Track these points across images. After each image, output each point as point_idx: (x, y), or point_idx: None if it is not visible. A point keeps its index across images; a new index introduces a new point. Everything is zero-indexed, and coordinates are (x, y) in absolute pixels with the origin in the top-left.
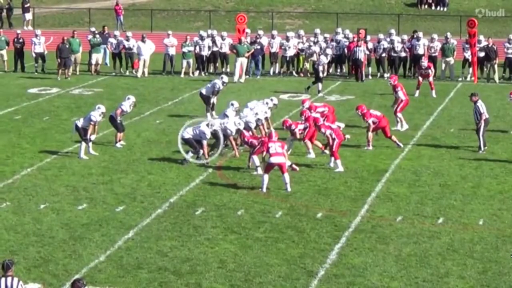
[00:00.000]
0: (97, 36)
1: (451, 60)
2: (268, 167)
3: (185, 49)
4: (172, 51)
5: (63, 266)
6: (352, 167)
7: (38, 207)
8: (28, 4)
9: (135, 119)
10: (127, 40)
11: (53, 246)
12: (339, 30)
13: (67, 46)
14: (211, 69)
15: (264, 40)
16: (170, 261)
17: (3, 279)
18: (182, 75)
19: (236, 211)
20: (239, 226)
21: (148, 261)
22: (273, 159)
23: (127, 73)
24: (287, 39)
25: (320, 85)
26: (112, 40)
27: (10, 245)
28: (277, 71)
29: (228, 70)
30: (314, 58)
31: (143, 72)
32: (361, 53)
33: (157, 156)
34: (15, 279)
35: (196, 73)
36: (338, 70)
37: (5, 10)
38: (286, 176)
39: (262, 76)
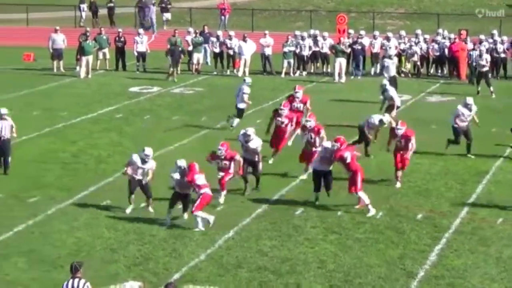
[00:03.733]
0: (198, 35)
1: None
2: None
3: (286, 49)
4: (268, 51)
5: (163, 265)
6: (454, 169)
7: (138, 205)
8: (169, 4)
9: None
10: (230, 39)
11: (153, 244)
12: (440, 30)
13: (179, 49)
14: (312, 69)
15: (366, 41)
16: (269, 260)
17: (70, 281)
18: (283, 75)
19: (336, 212)
20: (339, 226)
21: (248, 260)
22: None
23: (228, 72)
24: (388, 39)
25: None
26: (214, 39)
27: (111, 243)
28: (378, 72)
29: (329, 70)
30: (415, 58)
31: (244, 72)
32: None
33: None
34: (82, 281)
35: (297, 73)
36: (439, 71)
37: (106, 9)
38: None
39: (363, 76)
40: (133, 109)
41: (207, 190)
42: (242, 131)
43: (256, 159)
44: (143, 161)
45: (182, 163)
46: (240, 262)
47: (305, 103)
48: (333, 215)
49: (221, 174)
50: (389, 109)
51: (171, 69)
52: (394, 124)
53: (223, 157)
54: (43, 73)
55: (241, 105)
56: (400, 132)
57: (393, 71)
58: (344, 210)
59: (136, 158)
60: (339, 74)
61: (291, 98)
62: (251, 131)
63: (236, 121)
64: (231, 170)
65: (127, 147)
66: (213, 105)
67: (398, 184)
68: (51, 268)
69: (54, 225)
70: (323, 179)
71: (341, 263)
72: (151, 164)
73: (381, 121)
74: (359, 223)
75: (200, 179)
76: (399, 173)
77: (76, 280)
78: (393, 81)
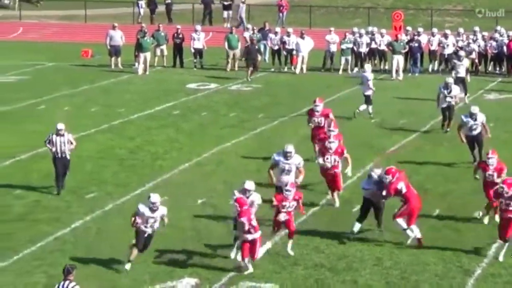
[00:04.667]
0: (256, 32)
1: None
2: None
3: (343, 46)
4: (333, 48)
5: (220, 261)
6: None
7: (195, 203)
8: (229, 2)
9: (292, 115)
10: (288, 36)
11: (210, 241)
12: (498, 28)
13: (256, 47)
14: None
15: (423, 38)
16: (326, 257)
17: (62, 283)
18: (340, 72)
19: (393, 209)
20: (396, 224)
21: (304, 258)
22: None
23: (286, 69)
24: (446, 36)
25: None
26: (272, 36)
27: (168, 239)
28: (435, 69)
29: (386, 67)
30: (473, 56)
31: (302, 69)
32: None
33: (312, 154)
34: (72, 284)
35: (354, 70)
36: (497, 69)
37: (165, 6)
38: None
39: (420, 73)
40: (190, 105)
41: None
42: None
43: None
44: (152, 210)
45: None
46: (297, 259)
47: (326, 116)
48: (389, 212)
49: (285, 217)
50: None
51: (250, 68)
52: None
53: (291, 198)
54: (101, 70)
55: (368, 92)
56: (492, 162)
57: (462, 72)
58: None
59: (143, 208)
60: (397, 71)
61: (310, 112)
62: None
63: (363, 106)
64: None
65: (184, 144)
66: (271, 102)
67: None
68: (108, 264)
69: (111, 221)
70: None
71: (398, 260)
72: (161, 211)
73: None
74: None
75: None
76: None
77: (67, 282)
78: (459, 82)
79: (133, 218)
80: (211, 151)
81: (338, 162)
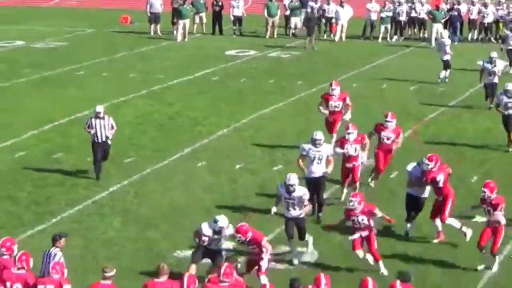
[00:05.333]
0: (295, 0)
1: None
2: None
3: (383, 14)
4: (373, 16)
5: (258, 227)
6: None
7: (233, 168)
8: None
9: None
10: (328, 4)
11: (248, 207)
12: None
13: (315, 15)
14: (408, 34)
15: (463, 7)
16: None
17: (47, 250)
18: (380, 40)
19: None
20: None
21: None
22: None
23: (325, 37)
24: (486, 5)
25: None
26: (312, 4)
27: (206, 204)
28: (475, 38)
29: (425, 35)
30: None
31: (341, 37)
32: None
33: (353, 120)
34: (56, 250)
35: (394, 38)
36: None
37: None
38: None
39: (460, 42)
40: (229, 72)
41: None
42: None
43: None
44: (216, 232)
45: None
46: (334, 226)
47: (343, 101)
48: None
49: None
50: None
51: (308, 37)
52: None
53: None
54: (140, 36)
55: (446, 57)
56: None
57: None
58: None
59: (206, 229)
60: (436, 40)
61: (326, 96)
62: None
63: (443, 72)
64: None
65: (223, 110)
66: (309, 69)
67: None
68: (146, 228)
69: (149, 185)
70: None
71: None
72: (229, 231)
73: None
74: (454, 188)
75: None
76: None
77: (53, 249)
78: (511, 54)
79: (196, 238)
80: (250, 117)
81: (358, 152)
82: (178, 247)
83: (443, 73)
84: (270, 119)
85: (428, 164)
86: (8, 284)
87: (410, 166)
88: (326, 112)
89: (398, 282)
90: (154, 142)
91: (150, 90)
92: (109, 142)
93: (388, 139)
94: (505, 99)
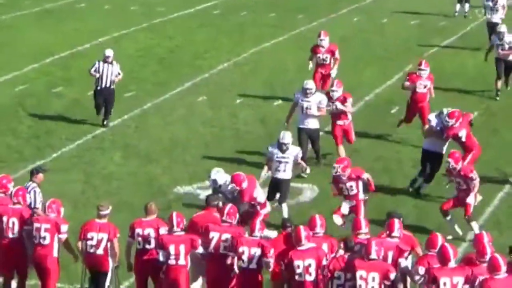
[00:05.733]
0: None
1: None
2: None
3: None
4: None
5: (257, 161)
6: None
7: (234, 102)
8: None
9: (331, 16)
10: None
11: (247, 141)
12: None
13: None
14: None
15: None
16: (363, 159)
17: (25, 184)
18: None
19: (432, 112)
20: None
21: None
22: None
23: None
24: None
25: None
26: None
27: (206, 138)
28: None
29: None
30: None
31: None
32: None
33: (353, 54)
34: (33, 185)
35: None
36: None
37: None
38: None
39: None
40: (230, 5)
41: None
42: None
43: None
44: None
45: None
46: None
47: (332, 54)
48: None
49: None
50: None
51: None
52: None
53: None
54: None
55: None
56: None
57: None
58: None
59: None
60: None
61: (314, 48)
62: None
63: (459, 6)
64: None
65: (223, 43)
66: (310, 3)
67: None
68: (146, 162)
69: (149, 119)
70: (429, 164)
71: None
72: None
73: None
74: None
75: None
76: None
77: (30, 183)
78: None
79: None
80: (250, 51)
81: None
82: (179, 183)
83: (458, 6)
84: (271, 53)
85: (448, 121)
86: (4, 218)
87: (432, 116)
88: (310, 65)
89: (396, 221)
90: (154, 75)
91: (151, 23)
92: (113, 87)
93: (424, 87)
94: (497, 41)
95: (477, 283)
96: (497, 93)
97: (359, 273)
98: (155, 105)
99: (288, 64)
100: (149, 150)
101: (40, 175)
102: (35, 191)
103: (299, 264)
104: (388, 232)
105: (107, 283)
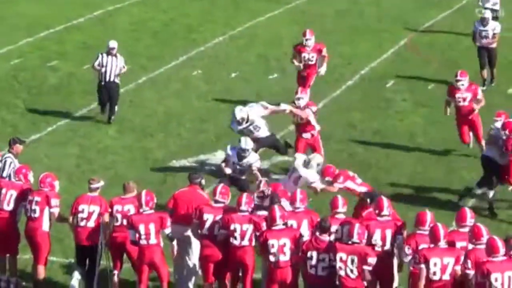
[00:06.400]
0: None
1: None
2: None
3: None
4: None
5: None
6: None
7: (229, 76)
8: None
9: None
10: None
11: None
12: None
13: None
14: None
15: None
16: (359, 133)
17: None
18: None
19: (427, 85)
20: (431, 99)
21: (338, 132)
22: None
23: None
24: None
25: None
26: None
27: (201, 113)
28: None
29: None
30: None
31: None
32: None
33: (348, 27)
34: (7, 155)
35: None
36: None
37: None
38: None
39: None
40: None
41: None
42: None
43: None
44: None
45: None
46: (331, 134)
47: (319, 53)
48: (423, 88)
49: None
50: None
51: None
52: None
53: None
54: None
55: None
56: None
57: None
58: (435, 84)
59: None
60: None
61: (299, 48)
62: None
63: None
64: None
65: (218, 17)
66: None
67: None
68: (141, 136)
69: (144, 94)
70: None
71: (430, 136)
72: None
73: None
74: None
75: None
76: None
77: (6, 153)
78: None
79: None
80: (245, 25)
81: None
82: (174, 157)
83: None
84: (266, 27)
85: (503, 134)
86: (3, 190)
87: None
88: (300, 65)
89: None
90: (148, 49)
91: None
92: (117, 81)
93: (464, 100)
94: (481, 27)
95: (469, 262)
96: (484, 83)
97: (339, 255)
98: (150, 79)
99: (283, 38)
100: (144, 124)
101: (18, 146)
102: (5, 162)
103: (273, 243)
104: (377, 211)
105: (98, 256)
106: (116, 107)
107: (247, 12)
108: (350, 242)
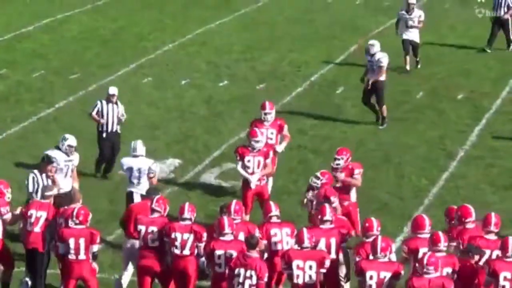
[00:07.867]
0: None
1: None
2: None
3: None
4: None
5: (203, 142)
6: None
7: (179, 83)
8: None
9: None
10: None
11: (193, 121)
12: None
13: None
14: None
15: None
16: (310, 139)
17: None
18: None
19: None
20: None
21: None
22: None
23: None
24: None
25: None
26: None
27: (152, 120)
28: None
29: None
30: None
31: None
32: None
33: (298, 34)
34: None
35: None
36: None
37: None
38: None
39: None
40: None
41: None
42: None
43: None
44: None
45: None
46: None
47: (279, 129)
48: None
49: None
50: None
51: None
52: None
53: None
54: None
55: None
56: None
57: None
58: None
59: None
60: None
61: (257, 123)
62: None
63: None
64: None
65: (168, 25)
66: None
67: None
68: (91, 145)
69: (94, 101)
70: None
71: (381, 142)
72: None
73: None
74: (400, 102)
75: None
76: None
77: None
78: None
79: None
80: (195, 32)
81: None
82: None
83: None
84: (216, 34)
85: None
86: None
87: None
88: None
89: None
90: (98, 57)
91: (95, 4)
92: (119, 131)
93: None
94: (406, 15)
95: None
96: (406, 70)
97: (296, 262)
98: (100, 87)
99: (233, 44)
100: (95, 132)
101: None
102: None
103: (220, 254)
104: (320, 217)
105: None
106: (115, 160)
107: (196, 19)
108: (300, 248)
